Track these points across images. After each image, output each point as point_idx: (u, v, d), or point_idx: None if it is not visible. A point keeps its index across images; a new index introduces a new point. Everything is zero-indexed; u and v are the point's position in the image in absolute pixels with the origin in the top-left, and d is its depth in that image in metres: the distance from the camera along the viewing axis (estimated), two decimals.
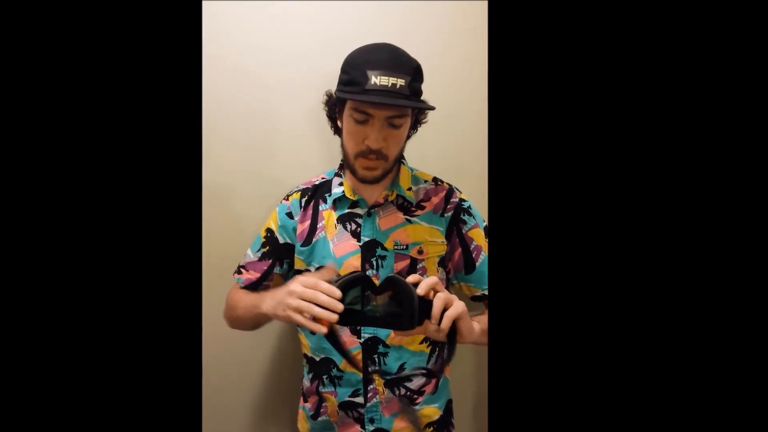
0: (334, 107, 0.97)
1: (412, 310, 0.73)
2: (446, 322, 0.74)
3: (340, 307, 0.73)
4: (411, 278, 0.75)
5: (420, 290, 0.73)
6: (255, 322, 1.00)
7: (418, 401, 0.96)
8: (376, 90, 0.83)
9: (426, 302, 0.74)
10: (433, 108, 0.88)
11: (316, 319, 0.75)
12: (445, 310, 0.74)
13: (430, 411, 0.98)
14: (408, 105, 0.86)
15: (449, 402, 1.04)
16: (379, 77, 0.83)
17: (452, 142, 1.20)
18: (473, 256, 0.99)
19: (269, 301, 0.86)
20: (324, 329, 0.75)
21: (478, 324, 0.85)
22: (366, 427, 0.95)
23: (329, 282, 0.75)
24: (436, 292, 0.75)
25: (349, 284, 0.76)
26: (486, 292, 0.99)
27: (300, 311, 0.75)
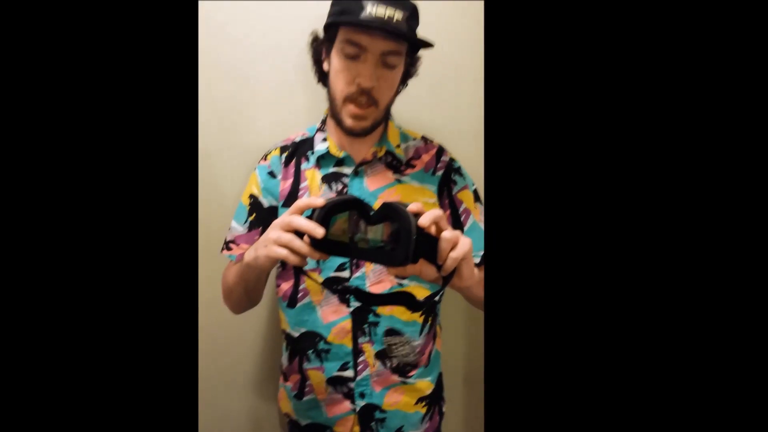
0: (320, 48, 0.89)
1: (408, 244, 0.61)
2: (451, 264, 0.64)
3: (320, 232, 0.63)
4: (413, 206, 0.65)
5: (423, 221, 0.63)
6: (248, 287, 0.88)
7: (411, 374, 0.91)
8: (372, 19, 0.76)
9: (426, 237, 0.64)
10: (432, 45, 0.81)
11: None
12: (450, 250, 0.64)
13: (424, 385, 0.93)
14: (407, 36, 0.79)
15: (440, 375, 1.00)
16: (375, 7, 0.76)
17: (447, 106, 1.14)
18: (461, 219, 0.93)
19: (251, 249, 0.77)
20: (306, 250, 0.66)
21: (479, 272, 0.79)
22: (356, 402, 0.89)
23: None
24: (439, 228, 0.65)
25: (337, 207, 0.65)
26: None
27: (280, 244, 0.67)
